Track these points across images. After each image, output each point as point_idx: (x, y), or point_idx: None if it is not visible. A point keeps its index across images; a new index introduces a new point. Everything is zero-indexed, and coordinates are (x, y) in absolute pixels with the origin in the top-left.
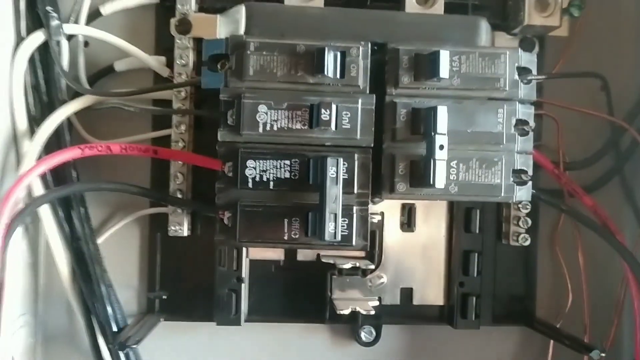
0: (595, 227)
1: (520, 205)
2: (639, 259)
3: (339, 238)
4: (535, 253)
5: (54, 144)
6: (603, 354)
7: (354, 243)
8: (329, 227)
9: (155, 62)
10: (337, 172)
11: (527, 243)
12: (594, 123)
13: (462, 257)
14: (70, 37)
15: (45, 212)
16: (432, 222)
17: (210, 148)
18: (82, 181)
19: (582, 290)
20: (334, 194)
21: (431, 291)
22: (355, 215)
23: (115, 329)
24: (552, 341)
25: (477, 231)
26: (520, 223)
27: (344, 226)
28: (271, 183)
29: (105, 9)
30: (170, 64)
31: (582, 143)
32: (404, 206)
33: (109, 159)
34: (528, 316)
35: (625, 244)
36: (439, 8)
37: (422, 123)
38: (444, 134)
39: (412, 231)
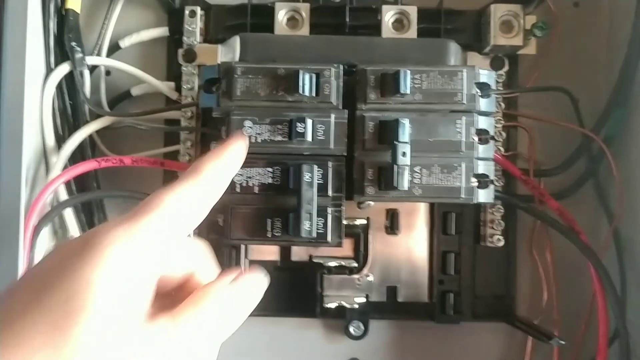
0: (559, 227)
1: (493, 209)
2: (611, 258)
3: (314, 235)
4: (514, 254)
5: (78, 158)
6: (562, 342)
7: (329, 240)
8: (305, 225)
9: (166, 87)
10: (312, 177)
11: (501, 244)
12: (567, 132)
13: (441, 257)
14: (94, 67)
15: (70, 217)
16: (415, 226)
17: None
18: (101, 189)
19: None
20: (309, 196)
21: (415, 289)
22: (330, 216)
23: None
24: (529, 337)
25: (454, 233)
26: (495, 225)
27: (320, 225)
28: (256, 188)
29: (124, 42)
30: (178, 88)
31: (556, 151)
32: (388, 211)
33: (129, 172)
34: (508, 313)
35: (598, 245)
36: (412, 33)
37: (387, 134)
38: (407, 143)
39: (396, 234)
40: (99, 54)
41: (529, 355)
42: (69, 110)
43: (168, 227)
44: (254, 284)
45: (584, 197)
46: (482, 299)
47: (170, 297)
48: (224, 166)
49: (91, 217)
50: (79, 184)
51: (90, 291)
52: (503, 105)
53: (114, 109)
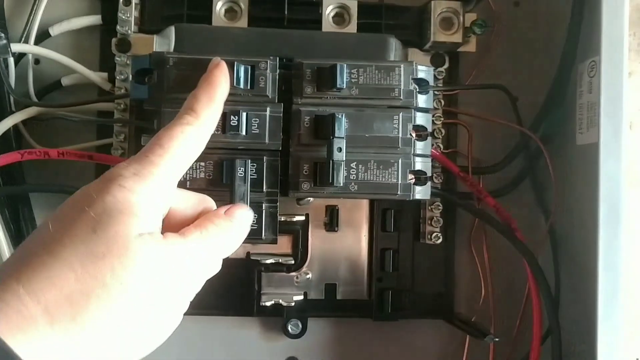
0: (495, 225)
1: (432, 206)
2: (547, 255)
3: None
4: (453, 251)
5: (1, 151)
6: (496, 339)
7: (263, 236)
8: None
9: (99, 77)
10: (245, 172)
11: (439, 241)
12: (506, 130)
13: (380, 254)
14: (21, 55)
15: None
16: (354, 223)
17: None
18: (26, 183)
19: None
20: (242, 191)
21: (354, 287)
22: (264, 212)
23: None
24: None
25: (392, 230)
26: (434, 223)
27: (254, 221)
28: (188, 182)
29: (54, 30)
30: (112, 79)
31: (495, 149)
32: (327, 208)
33: (57, 166)
34: (446, 311)
35: (534, 243)
36: (352, 28)
37: (323, 129)
38: (342, 138)
39: (335, 231)
40: (26, 41)
41: (466, 352)
42: None
43: (175, 167)
44: (244, 214)
45: (522, 195)
46: (421, 296)
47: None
48: (218, 107)
49: (16, 212)
50: (4, 177)
51: (117, 210)
52: (443, 102)
53: (42, 100)
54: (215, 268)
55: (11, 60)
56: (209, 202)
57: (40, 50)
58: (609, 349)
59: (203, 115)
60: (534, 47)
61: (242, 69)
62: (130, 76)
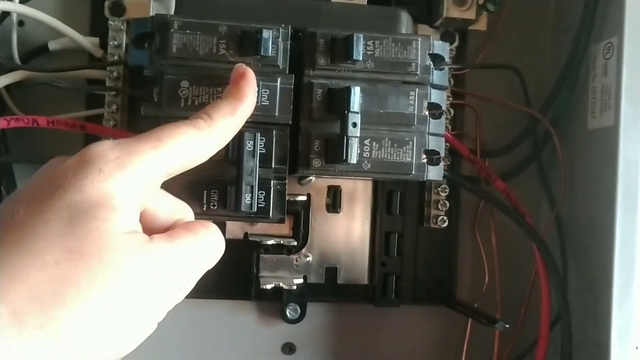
0: (505, 209)
1: (439, 189)
2: (552, 241)
3: (255, 209)
4: (456, 236)
5: None
6: (507, 326)
7: (270, 215)
8: (246, 198)
9: (89, 43)
10: (254, 146)
11: (445, 225)
12: (513, 113)
13: (384, 238)
14: (4, 15)
15: None
16: (358, 204)
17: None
18: (9, 154)
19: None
20: (250, 167)
21: (356, 271)
22: (272, 189)
23: None
24: (470, 320)
25: (398, 213)
26: (439, 206)
27: (261, 199)
28: None
29: None
30: (104, 45)
31: (502, 132)
32: (329, 188)
33: (44, 137)
34: (448, 296)
35: (538, 227)
36: (362, 0)
37: (337, 103)
38: (357, 113)
39: (338, 213)
40: None
41: (467, 339)
42: None
43: (164, 167)
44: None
45: (527, 179)
46: (422, 282)
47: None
48: (236, 126)
49: None
50: None
51: (98, 201)
52: (452, 82)
53: (26, 65)
54: (198, 276)
55: None
56: (186, 211)
57: (25, 10)
58: (623, 337)
59: (218, 126)
60: (543, 28)
61: (251, 36)
62: (124, 42)
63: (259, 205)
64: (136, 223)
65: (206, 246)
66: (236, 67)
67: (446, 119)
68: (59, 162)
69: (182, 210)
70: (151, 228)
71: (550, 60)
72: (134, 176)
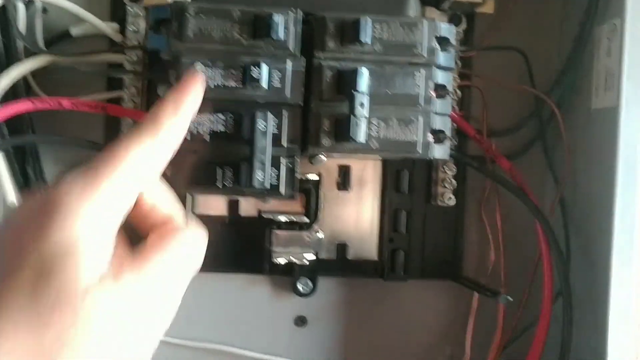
0: (510, 187)
1: (446, 168)
2: (557, 220)
3: (267, 186)
4: (463, 214)
5: (10, 100)
6: (510, 299)
7: (282, 192)
8: (258, 175)
9: (109, 28)
10: (266, 126)
11: (452, 203)
12: (519, 94)
13: (392, 215)
14: (29, 3)
15: (0, 163)
16: (367, 183)
17: None
18: (36, 134)
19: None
20: (263, 145)
21: (365, 247)
22: (283, 167)
23: None
24: (475, 295)
25: (406, 191)
26: (446, 184)
27: (273, 176)
28: (207, 136)
29: None
30: (123, 31)
31: (509, 113)
32: (340, 168)
33: (66, 118)
34: (455, 272)
35: (543, 207)
36: None
37: (345, 84)
38: (365, 93)
39: (348, 191)
40: None
41: (474, 313)
42: (1, 48)
43: (129, 185)
44: (200, 235)
45: (532, 160)
46: (430, 257)
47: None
48: (183, 118)
49: (23, 164)
50: (11, 129)
51: (59, 256)
52: (459, 63)
53: (50, 49)
54: (184, 285)
55: (21, 5)
56: (167, 203)
57: None
58: (621, 314)
59: (165, 126)
60: (550, 10)
61: (264, 20)
62: (142, 28)
63: (271, 182)
64: (103, 262)
65: (179, 262)
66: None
67: (453, 100)
68: (29, 204)
69: (164, 205)
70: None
71: (555, 42)
72: (103, 207)
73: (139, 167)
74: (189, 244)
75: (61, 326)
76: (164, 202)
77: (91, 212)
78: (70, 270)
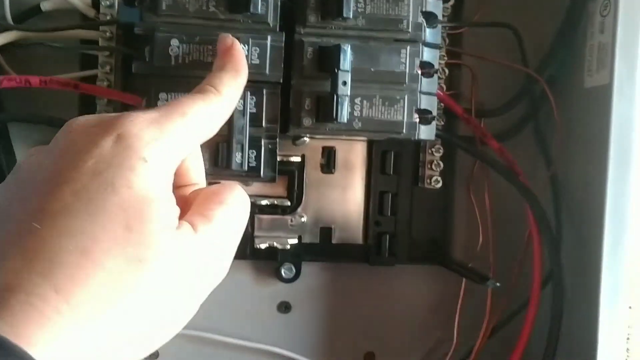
0: (499, 168)
1: (433, 149)
2: (547, 201)
3: (246, 168)
4: (452, 196)
5: None
6: (498, 284)
7: (262, 174)
8: (236, 157)
9: (81, 2)
10: (244, 105)
11: (439, 185)
12: (510, 72)
13: (378, 197)
14: None
15: None
16: (352, 165)
17: None
18: (4, 112)
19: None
20: (241, 125)
21: (350, 231)
22: (263, 148)
23: None
24: (464, 279)
25: (392, 173)
26: (434, 166)
27: (252, 158)
28: None
29: None
30: (96, 5)
31: (499, 92)
32: (324, 149)
33: (39, 98)
34: (443, 256)
35: (535, 188)
36: None
37: (327, 61)
38: (347, 71)
39: (332, 173)
40: None
41: (462, 298)
42: None
43: (191, 137)
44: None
45: (523, 139)
46: (417, 241)
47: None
48: (240, 85)
49: None
50: None
51: (147, 207)
52: (447, 40)
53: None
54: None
55: None
56: (199, 169)
57: None
58: (612, 295)
59: (226, 98)
60: None
61: None
62: (116, 2)
63: (250, 164)
64: (176, 211)
65: (239, 213)
66: (222, 37)
67: (440, 78)
68: (90, 138)
69: (196, 169)
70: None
71: (548, 19)
72: (173, 159)
73: (203, 123)
74: (244, 200)
75: (150, 265)
76: (198, 167)
77: (169, 162)
78: (156, 213)
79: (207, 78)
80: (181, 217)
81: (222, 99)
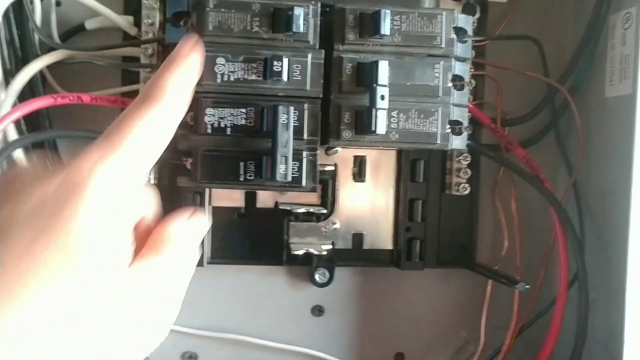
0: (525, 175)
1: (461, 158)
2: (570, 206)
3: (289, 179)
4: (477, 202)
5: (28, 96)
6: (527, 286)
7: (303, 184)
8: (280, 168)
9: (124, 21)
10: (288, 119)
11: (467, 192)
12: (532, 82)
13: (408, 204)
14: None
15: (20, 160)
16: (382, 173)
17: None
18: (54, 128)
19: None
20: (285, 139)
21: (380, 236)
22: (305, 159)
23: None
24: (489, 282)
25: (422, 180)
26: (461, 174)
27: (294, 169)
28: (228, 129)
29: None
30: (138, 23)
31: (522, 101)
32: (355, 158)
33: (82, 112)
34: (469, 260)
35: (556, 193)
36: None
37: (365, 76)
38: (385, 86)
39: (363, 181)
40: None
41: (488, 300)
42: (17, 43)
43: (142, 158)
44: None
45: (545, 147)
46: (445, 246)
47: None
48: (187, 82)
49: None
50: (29, 124)
51: (82, 238)
52: (473, 53)
53: (65, 44)
54: (183, 294)
55: (37, 1)
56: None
57: None
58: (637, 296)
59: (170, 93)
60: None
61: (284, 13)
62: (157, 21)
63: (293, 175)
64: (126, 247)
65: (184, 253)
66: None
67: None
68: (41, 190)
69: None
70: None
71: (569, 31)
72: (121, 187)
73: (149, 141)
74: (192, 235)
75: (86, 300)
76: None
77: (115, 193)
78: (95, 252)
79: (150, 80)
80: (135, 251)
81: (167, 102)
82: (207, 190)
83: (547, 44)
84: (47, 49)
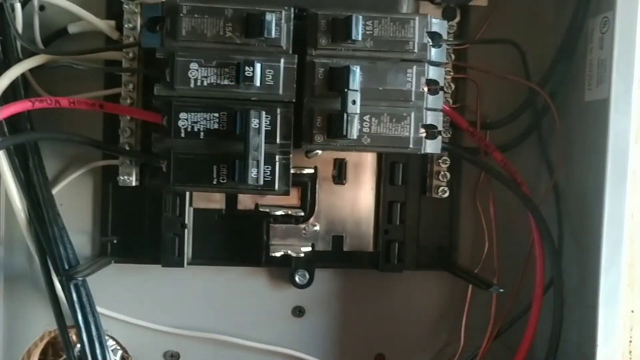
0: (503, 179)
1: (440, 161)
2: (550, 210)
3: (261, 182)
4: (458, 205)
5: (10, 98)
6: (501, 290)
7: (276, 188)
8: (252, 172)
9: (106, 25)
10: (259, 123)
11: (446, 195)
12: (513, 86)
13: (387, 207)
14: (26, 1)
15: (2, 161)
16: (363, 176)
17: None
18: (35, 131)
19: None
20: (256, 143)
21: (360, 239)
22: (277, 163)
23: (67, 266)
24: (470, 285)
25: (400, 183)
26: (441, 177)
27: (267, 172)
28: (201, 133)
29: None
30: (119, 27)
31: (503, 104)
32: (335, 161)
33: (66, 116)
34: (450, 262)
35: (537, 196)
36: None
37: (337, 81)
38: (357, 90)
39: (343, 184)
40: None
41: (468, 302)
42: None
43: None
44: None
45: (526, 151)
46: (425, 248)
47: None
48: None
49: (25, 160)
50: (10, 127)
51: None
52: (453, 56)
53: (48, 48)
54: None
55: (18, 6)
56: None
57: None
58: (611, 300)
59: None
60: (544, 2)
61: (255, 18)
62: (138, 25)
63: (265, 178)
64: None
65: None
66: None
67: (445, 93)
68: None
69: None
70: None
71: (549, 34)
72: None
73: None
74: None
75: None
76: None
77: None
78: None
79: None
80: None
81: None
82: (187, 192)
83: (528, 48)
84: (30, 53)
